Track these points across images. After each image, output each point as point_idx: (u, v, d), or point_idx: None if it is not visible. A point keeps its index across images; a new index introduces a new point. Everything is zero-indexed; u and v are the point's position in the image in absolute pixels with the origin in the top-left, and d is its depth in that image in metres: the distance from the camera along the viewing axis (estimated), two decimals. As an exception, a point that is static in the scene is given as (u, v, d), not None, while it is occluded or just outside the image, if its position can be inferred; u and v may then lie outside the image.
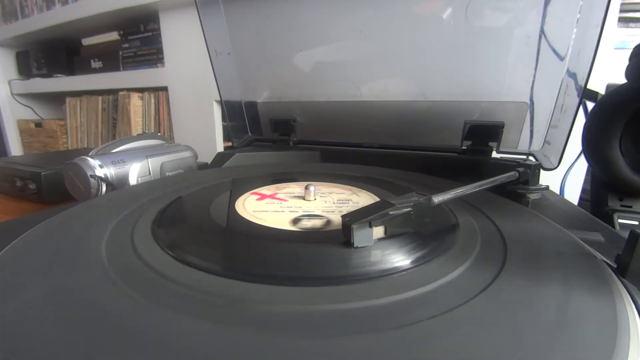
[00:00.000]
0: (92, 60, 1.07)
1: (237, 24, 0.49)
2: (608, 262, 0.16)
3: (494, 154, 0.38)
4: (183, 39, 0.81)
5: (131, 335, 0.10)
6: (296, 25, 0.47)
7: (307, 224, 0.20)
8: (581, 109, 0.34)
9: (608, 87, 0.48)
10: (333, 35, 0.46)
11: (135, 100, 0.93)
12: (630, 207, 0.30)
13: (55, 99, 1.28)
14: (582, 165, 0.39)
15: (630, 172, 0.29)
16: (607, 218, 0.30)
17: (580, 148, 0.32)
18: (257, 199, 0.24)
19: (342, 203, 0.23)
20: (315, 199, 0.24)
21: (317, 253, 0.17)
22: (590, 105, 0.33)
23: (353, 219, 0.16)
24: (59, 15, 0.98)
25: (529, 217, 0.22)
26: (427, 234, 0.18)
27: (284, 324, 0.11)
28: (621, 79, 0.29)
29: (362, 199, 0.25)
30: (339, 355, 0.10)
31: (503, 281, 0.14)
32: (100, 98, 1.03)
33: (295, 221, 0.20)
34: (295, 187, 0.27)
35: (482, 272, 0.15)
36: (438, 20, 0.39)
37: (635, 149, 0.29)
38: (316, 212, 0.21)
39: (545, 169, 0.34)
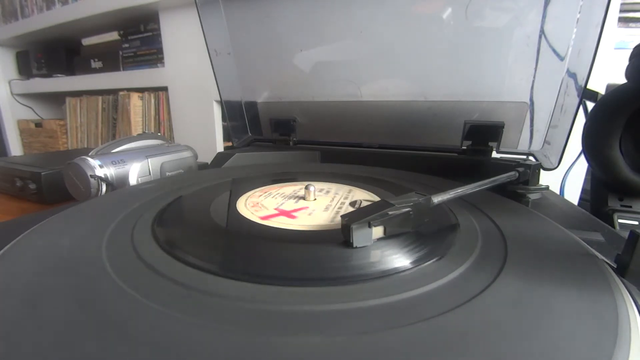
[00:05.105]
0: (92, 60, 1.07)
1: (237, 24, 0.49)
2: (608, 262, 0.16)
3: (494, 154, 0.38)
4: (183, 39, 0.81)
5: (130, 336, 0.10)
6: (296, 25, 0.47)
7: None
8: (581, 109, 0.34)
9: (608, 87, 0.48)
10: (333, 36, 0.46)
11: (135, 100, 0.93)
12: (630, 207, 0.30)
13: (55, 99, 1.28)
14: (582, 165, 0.39)
15: (630, 172, 0.29)
16: (607, 218, 0.30)
17: (580, 148, 0.32)
18: (285, 217, 0.21)
19: (342, 201, 0.23)
20: (315, 199, 0.24)
21: (316, 253, 0.17)
22: (590, 105, 0.33)
23: (352, 219, 0.16)
24: (59, 15, 0.98)
25: (530, 217, 0.22)
26: (427, 233, 0.18)
27: (282, 324, 0.11)
28: (621, 79, 0.29)
29: (362, 198, 0.25)
30: (336, 356, 0.10)
31: (504, 281, 0.14)
32: (100, 98, 1.03)
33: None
34: (293, 188, 0.27)
35: (482, 271, 0.15)
36: (438, 20, 0.39)
37: (635, 149, 0.29)
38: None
39: (545, 169, 0.34)
